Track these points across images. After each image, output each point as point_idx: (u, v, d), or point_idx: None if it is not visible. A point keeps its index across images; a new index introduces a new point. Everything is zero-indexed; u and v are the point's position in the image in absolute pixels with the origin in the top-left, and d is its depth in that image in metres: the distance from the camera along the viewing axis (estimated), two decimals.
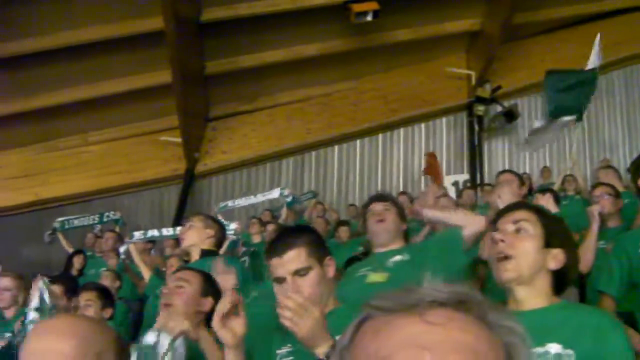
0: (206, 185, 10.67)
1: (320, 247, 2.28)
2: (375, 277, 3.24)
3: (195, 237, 3.99)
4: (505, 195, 3.60)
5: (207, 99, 10.81)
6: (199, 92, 10.56)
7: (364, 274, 3.31)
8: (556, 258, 1.96)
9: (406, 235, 3.60)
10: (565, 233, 2.07)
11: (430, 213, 3.56)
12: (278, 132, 10.77)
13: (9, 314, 4.40)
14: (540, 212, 2.08)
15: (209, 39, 10.25)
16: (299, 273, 2.16)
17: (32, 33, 9.55)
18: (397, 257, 3.31)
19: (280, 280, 2.18)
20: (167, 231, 6.91)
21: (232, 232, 6.29)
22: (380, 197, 3.70)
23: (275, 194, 9.08)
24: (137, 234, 6.54)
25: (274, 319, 1.97)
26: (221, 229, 4.21)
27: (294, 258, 2.17)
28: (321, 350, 1.80)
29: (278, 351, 2.21)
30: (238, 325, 1.90)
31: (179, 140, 10.32)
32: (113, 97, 10.22)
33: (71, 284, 4.71)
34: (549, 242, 1.96)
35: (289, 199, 8.85)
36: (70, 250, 8.70)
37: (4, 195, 10.30)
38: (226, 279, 2.45)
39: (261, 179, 10.73)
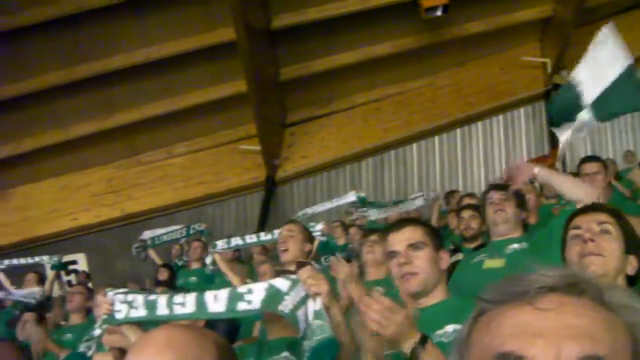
0: (288, 191, 10.70)
1: (437, 237, 2.29)
2: (492, 262, 3.29)
3: (297, 249, 4.11)
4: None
5: (283, 105, 10.86)
6: (275, 99, 10.62)
7: (481, 259, 3.36)
8: (632, 264, 2.01)
9: (525, 224, 3.59)
10: (638, 240, 2.12)
11: (542, 172, 3.20)
12: (356, 134, 10.73)
13: None
14: (619, 216, 2.12)
15: (281, 46, 10.33)
16: (413, 246, 2.18)
17: (111, 52, 9.81)
18: (515, 246, 3.33)
19: (394, 254, 2.21)
20: (251, 238, 6.75)
21: (319, 233, 6.15)
22: (498, 186, 3.68)
23: (351, 197, 8.96)
24: (221, 243, 6.42)
25: None
26: (313, 242, 4.37)
27: (410, 232, 2.22)
28: (407, 345, 1.80)
29: None
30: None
31: (257, 148, 10.38)
32: (192, 110, 10.38)
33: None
34: (627, 249, 2.02)
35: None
36: (160, 263, 8.79)
37: (93, 212, 10.56)
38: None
39: (342, 182, 10.69)
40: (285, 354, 2.64)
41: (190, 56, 9.86)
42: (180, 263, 8.76)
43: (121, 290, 2.78)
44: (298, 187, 10.75)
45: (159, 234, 9.16)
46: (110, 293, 2.69)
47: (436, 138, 10.99)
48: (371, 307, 1.82)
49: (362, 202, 8.93)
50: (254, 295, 2.27)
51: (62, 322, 6.54)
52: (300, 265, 4.18)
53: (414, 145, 10.93)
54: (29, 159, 10.59)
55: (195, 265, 8.06)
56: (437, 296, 2.19)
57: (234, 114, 10.51)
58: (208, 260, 7.16)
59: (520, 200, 3.53)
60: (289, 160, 10.70)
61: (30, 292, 7.32)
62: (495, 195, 3.45)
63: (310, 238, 4.33)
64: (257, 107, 9.94)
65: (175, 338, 1.19)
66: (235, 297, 2.31)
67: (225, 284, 7.36)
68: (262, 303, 2.24)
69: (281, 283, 2.25)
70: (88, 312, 5.35)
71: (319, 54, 10.41)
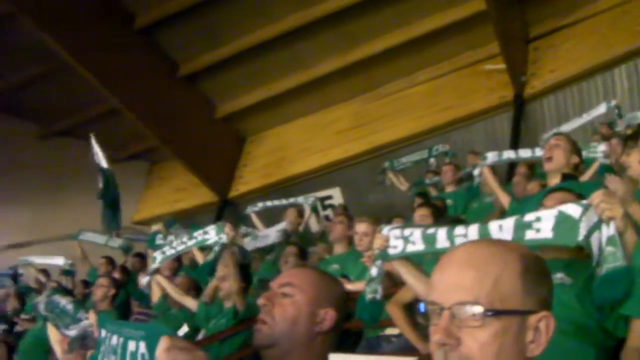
0: (538, 108, 10.31)
1: None
2: None
3: (562, 159, 3.97)
4: None
5: (524, 19, 10.43)
6: (515, 13, 10.21)
7: None
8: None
9: None
10: None
11: None
12: (604, 41, 10.04)
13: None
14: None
15: None
16: None
17: None
18: None
19: None
20: (525, 152, 6.35)
21: (601, 154, 5.69)
22: None
23: (602, 109, 8.46)
24: (491, 155, 6.10)
25: None
26: (580, 155, 4.14)
27: None
28: None
29: None
30: None
31: (502, 67, 10.09)
32: (430, 35, 10.24)
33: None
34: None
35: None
36: (404, 187, 8.82)
37: (341, 147, 10.87)
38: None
39: (594, 93, 10.10)
40: (560, 275, 2.50)
41: None
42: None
43: (397, 225, 2.80)
44: (548, 103, 10.30)
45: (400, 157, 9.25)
46: (386, 229, 2.71)
47: None
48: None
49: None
50: (543, 223, 2.20)
51: (326, 255, 6.69)
52: (565, 177, 3.96)
53: None
54: (278, 102, 11.09)
55: (449, 189, 7.99)
56: None
57: (474, 35, 10.25)
58: (476, 171, 6.94)
59: None
60: (535, 76, 10.27)
61: (276, 232, 7.58)
62: None
63: (577, 150, 4.14)
64: (497, 25, 9.60)
65: (476, 254, 1.18)
66: (522, 226, 2.25)
67: (484, 206, 7.20)
68: (554, 231, 2.17)
69: (572, 209, 2.15)
70: (350, 241, 5.46)
71: None
